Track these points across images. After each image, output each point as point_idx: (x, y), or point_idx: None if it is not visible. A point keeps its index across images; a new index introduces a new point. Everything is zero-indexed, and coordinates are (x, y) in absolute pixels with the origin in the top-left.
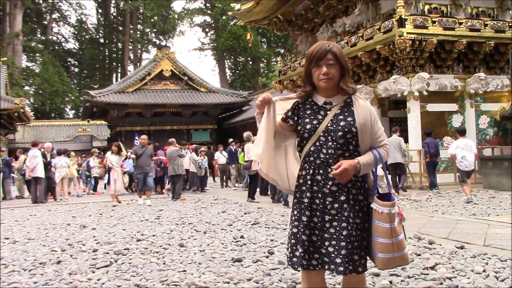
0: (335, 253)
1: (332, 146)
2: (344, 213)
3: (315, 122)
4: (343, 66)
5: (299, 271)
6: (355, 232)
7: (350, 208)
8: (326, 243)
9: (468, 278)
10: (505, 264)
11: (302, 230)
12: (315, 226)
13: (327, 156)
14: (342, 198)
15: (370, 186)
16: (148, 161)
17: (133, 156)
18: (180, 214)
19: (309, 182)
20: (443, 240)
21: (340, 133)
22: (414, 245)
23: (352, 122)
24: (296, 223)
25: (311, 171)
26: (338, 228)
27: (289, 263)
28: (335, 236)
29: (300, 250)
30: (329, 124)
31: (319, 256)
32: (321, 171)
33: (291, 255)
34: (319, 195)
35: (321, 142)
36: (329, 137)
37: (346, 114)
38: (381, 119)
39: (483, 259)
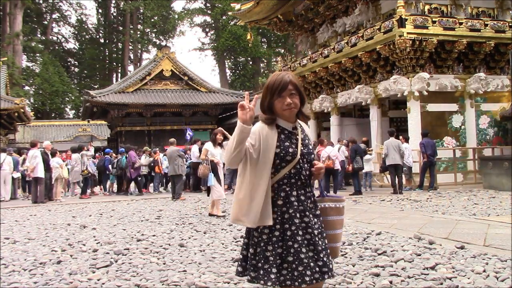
0: (329, 261)
1: (307, 167)
2: (322, 225)
3: (294, 146)
4: (302, 94)
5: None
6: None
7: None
8: (321, 255)
9: (468, 278)
10: (505, 264)
11: (306, 248)
12: (309, 242)
13: (306, 177)
14: (317, 212)
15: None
16: None
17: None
18: (180, 214)
19: (295, 203)
20: (443, 240)
21: (312, 156)
22: (414, 245)
23: (311, 144)
24: (290, 242)
25: (295, 192)
26: (323, 240)
27: (296, 281)
28: (324, 246)
29: (312, 265)
30: (302, 148)
31: (319, 269)
32: (302, 191)
33: (292, 273)
34: (307, 213)
35: (300, 164)
36: (305, 160)
37: (307, 138)
38: (381, 119)
39: (483, 259)
